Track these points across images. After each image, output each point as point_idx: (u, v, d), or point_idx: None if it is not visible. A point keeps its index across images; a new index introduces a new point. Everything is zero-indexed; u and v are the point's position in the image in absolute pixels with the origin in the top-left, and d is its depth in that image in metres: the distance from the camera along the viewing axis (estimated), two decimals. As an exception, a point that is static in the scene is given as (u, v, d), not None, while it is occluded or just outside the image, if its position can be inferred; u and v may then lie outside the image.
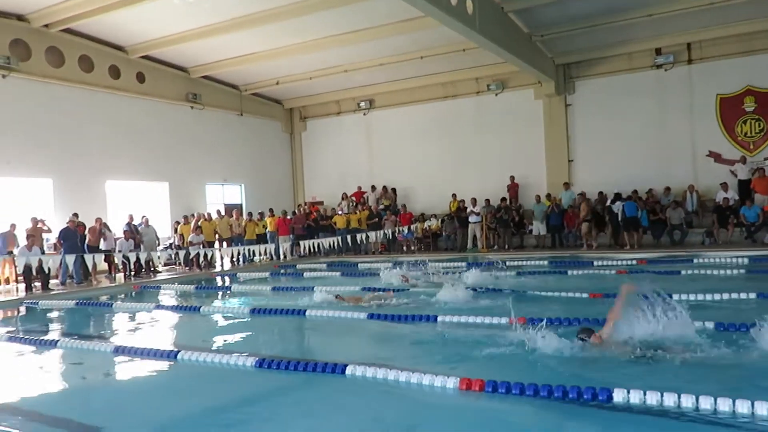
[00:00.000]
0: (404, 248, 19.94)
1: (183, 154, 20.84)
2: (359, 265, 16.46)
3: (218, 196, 22.70)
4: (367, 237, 18.71)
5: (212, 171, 22.21)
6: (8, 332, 8.99)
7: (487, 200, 19.55)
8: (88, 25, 16.67)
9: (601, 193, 18.59)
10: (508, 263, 14.88)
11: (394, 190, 23.10)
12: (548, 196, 19.16)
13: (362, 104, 23.76)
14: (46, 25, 16.32)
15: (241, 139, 23.34)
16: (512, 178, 20.72)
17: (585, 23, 17.28)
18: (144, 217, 17.48)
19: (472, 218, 19.01)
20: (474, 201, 19.26)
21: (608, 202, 17.89)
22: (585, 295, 9.27)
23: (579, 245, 17.62)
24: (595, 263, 13.94)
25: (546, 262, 14.78)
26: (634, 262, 13.83)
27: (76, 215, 15.40)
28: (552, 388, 4.60)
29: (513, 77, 20.83)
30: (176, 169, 20.58)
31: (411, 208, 21.80)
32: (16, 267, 13.97)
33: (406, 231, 19.57)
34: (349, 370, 5.46)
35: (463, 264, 15.22)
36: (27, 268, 13.30)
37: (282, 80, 22.14)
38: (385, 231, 19.26)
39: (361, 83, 22.60)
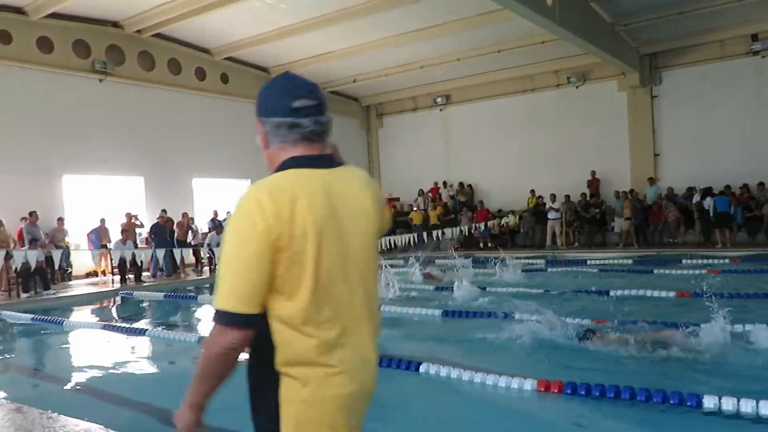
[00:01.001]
0: (480, 245, 19.69)
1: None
2: (436, 261, 16.36)
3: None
4: (443, 233, 18.59)
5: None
6: (104, 321, 9.56)
7: (567, 196, 19.00)
8: (177, 29, 17.42)
9: (690, 188, 17.66)
10: (588, 261, 14.44)
11: (470, 186, 22.86)
12: (631, 192, 18.39)
13: (438, 100, 23.62)
14: (138, 31, 17.19)
15: (319, 136, 23.65)
16: (593, 173, 20.03)
17: (672, 10, 16.42)
18: (228, 212, 18.07)
19: (551, 215, 18.54)
20: (553, 197, 18.77)
21: (697, 198, 16.95)
22: (672, 294, 8.85)
23: (665, 243, 16.83)
24: (684, 261, 13.27)
25: (630, 260, 14.20)
26: (727, 260, 13.06)
27: (164, 211, 16.17)
28: (635, 391, 4.40)
29: (594, 69, 20.11)
30: (257, 166, 20.78)
31: (488, 204, 21.49)
32: (111, 260, 14.86)
33: (482, 228, 19.32)
34: (423, 368, 5.43)
35: (542, 261, 14.89)
36: (122, 261, 14.11)
37: (359, 78, 22.32)
38: (461, 227, 19.08)
39: (437, 79, 22.47)
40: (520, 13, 13.01)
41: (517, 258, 15.16)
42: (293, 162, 1.74)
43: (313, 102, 1.77)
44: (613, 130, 20.05)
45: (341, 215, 1.69)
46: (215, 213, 17.70)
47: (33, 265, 11.91)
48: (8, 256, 12.20)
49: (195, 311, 10.87)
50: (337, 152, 1.97)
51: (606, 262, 14.33)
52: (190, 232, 16.75)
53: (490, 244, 19.59)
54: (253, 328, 1.60)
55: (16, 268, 12.24)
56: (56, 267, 13.90)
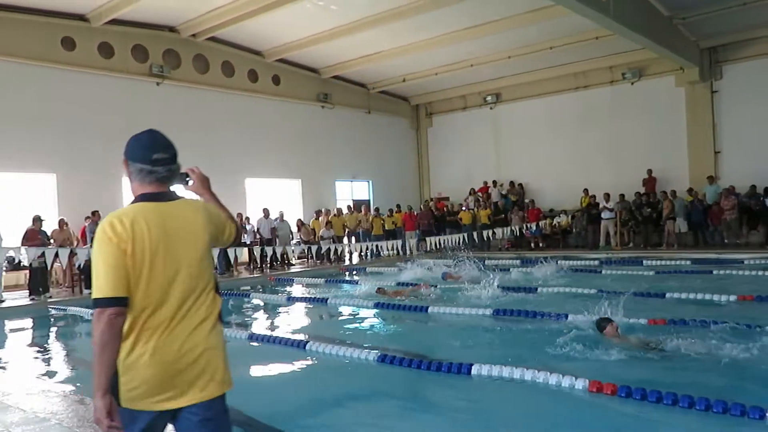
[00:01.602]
0: (531, 245, 19.41)
1: (314, 152, 21.68)
2: (485, 261, 16.26)
3: (347, 193, 23.40)
4: (494, 233, 18.41)
5: (341, 168, 22.91)
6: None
7: (621, 195, 18.52)
8: (230, 32, 17.82)
9: (752, 186, 16.94)
10: (645, 262, 14.06)
11: (521, 185, 22.58)
12: (690, 190, 17.78)
13: (489, 98, 23.43)
14: (194, 35, 17.67)
15: (369, 136, 23.86)
16: (649, 171, 19.46)
17: (734, 2, 15.76)
18: (280, 212, 18.37)
19: (604, 214, 18.10)
20: (607, 196, 18.32)
21: (761, 196, 16.25)
22: (733, 298, 8.51)
23: (725, 243, 16.20)
24: (746, 262, 12.74)
25: (688, 261, 13.74)
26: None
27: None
28: (694, 400, 4.25)
29: (651, 64, 19.52)
30: (308, 166, 21.47)
31: (539, 203, 21.16)
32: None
33: (533, 227, 19.03)
34: (474, 370, 5.40)
35: (596, 262, 14.56)
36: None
37: (408, 77, 22.34)
38: (512, 227, 18.85)
39: (487, 77, 22.29)
40: (573, 9, 12.76)
41: (568, 258, 14.93)
42: (143, 197, 2.38)
43: (167, 155, 2.43)
44: (671, 127, 19.43)
45: (173, 234, 2.32)
46: (265, 212, 17.96)
47: None
48: (72, 254, 12.69)
49: (247, 309, 11.09)
50: (201, 186, 2.77)
51: (662, 263, 13.90)
52: (243, 231, 17.06)
53: (541, 245, 19.29)
54: (121, 305, 2.20)
55: (79, 265, 12.73)
56: None
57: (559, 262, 12.95)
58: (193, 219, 2.40)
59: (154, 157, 2.38)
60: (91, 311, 9.84)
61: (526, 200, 21.71)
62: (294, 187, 21.37)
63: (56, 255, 11.93)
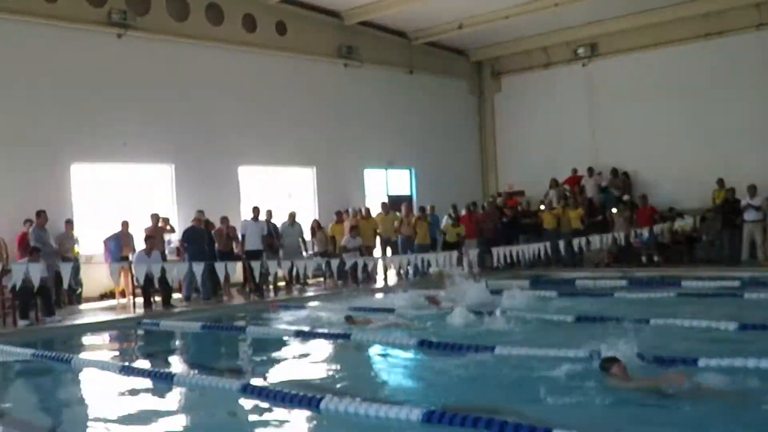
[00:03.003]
0: (643, 258, 19.14)
1: (334, 130, 21.75)
2: (576, 282, 16.14)
3: (380, 185, 23.44)
4: (588, 242, 18.17)
5: (373, 151, 22.96)
6: (122, 361, 9.99)
7: (774, 188, 18.19)
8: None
9: None
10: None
11: (626, 174, 22.33)
12: None
13: (581, 51, 23.32)
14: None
15: (410, 106, 23.84)
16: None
17: None
18: (291, 213, 18.41)
19: (748, 215, 17.82)
20: (753, 189, 18.00)
21: None
22: None
23: None
24: None
25: None
26: None
27: (201, 212, 16.58)
28: None
29: (817, -1, 19.12)
30: (325, 149, 21.51)
31: (653, 200, 20.83)
32: (133, 277, 15.34)
33: (645, 234, 18.74)
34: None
35: (736, 283, 14.27)
36: (147, 279, 14.53)
37: (467, 22, 22.21)
38: (615, 234, 18.59)
39: (578, 21, 22.19)
40: None
41: (699, 278, 14.65)
42: None
43: None
44: None
45: None
46: (269, 213, 18.04)
47: (36, 283, 12.40)
48: (4, 272, 12.86)
49: (242, 348, 11.13)
50: None
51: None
52: (234, 240, 17.16)
53: (656, 258, 19.00)
54: None
55: (14, 287, 12.86)
56: (64, 286, 14.43)
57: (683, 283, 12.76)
58: None
59: None
60: (33, 352, 10.01)
61: (635, 195, 21.43)
62: (305, 178, 21.50)
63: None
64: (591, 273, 17.66)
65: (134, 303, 15.29)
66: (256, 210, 17.59)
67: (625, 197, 21.17)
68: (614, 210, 20.37)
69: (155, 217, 16.56)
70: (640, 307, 11.93)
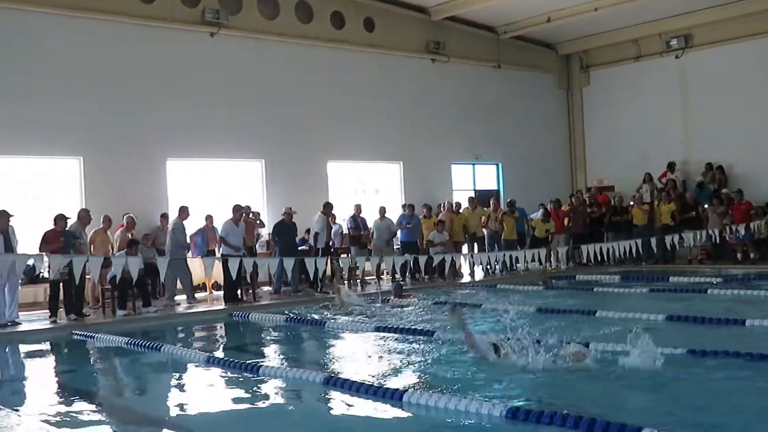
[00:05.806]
0: (738, 256, 18.50)
1: (421, 125, 21.73)
2: (671, 278, 15.88)
3: (467, 180, 23.32)
4: (681, 238, 17.67)
5: (459, 146, 22.85)
6: (208, 351, 10.21)
7: None
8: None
9: None
10: None
11: (721, 168, 21.69)
12: None
13: (673, 42, 22.84)
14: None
15: (498, 100, 23.67)
16: None
17: None
18: (381, 208, 18.38)
19: None
20: None
21: None
22: None
23: None
24: None
25: None
26: None
27: (290, 208, 16.65)
28: None
29: None
30: (412, 144, 21.50)
31: (750, 195, 20.10)
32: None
33: (741, 230, 18.06)
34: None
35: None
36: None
37: (555, 16, 21.97)
38: (709, 230, 18.00)
39: (670, 12, 21.70)
40: None
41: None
42: None
43: None
44: None
45: None
46: (357, 208, 18.13)
47: (135, 275, 12.52)
48: (106, 264, 13.23)
49: (323, 342, 11.23)
50: None
51: None
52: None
53: (753, 255, 18.34)
54: None
55: (114, 278, 13.32)
56: (161, 279, 14.43)
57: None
58: None
59: None
60: (128, 340, 10.36)
61: (731, 190, 20.71)
62: (392, 173, 21.54)
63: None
64: (682, 269, 17.51)
65: (224, 296, 15.45)
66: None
67: (724, 191, 20.59)
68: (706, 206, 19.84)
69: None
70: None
